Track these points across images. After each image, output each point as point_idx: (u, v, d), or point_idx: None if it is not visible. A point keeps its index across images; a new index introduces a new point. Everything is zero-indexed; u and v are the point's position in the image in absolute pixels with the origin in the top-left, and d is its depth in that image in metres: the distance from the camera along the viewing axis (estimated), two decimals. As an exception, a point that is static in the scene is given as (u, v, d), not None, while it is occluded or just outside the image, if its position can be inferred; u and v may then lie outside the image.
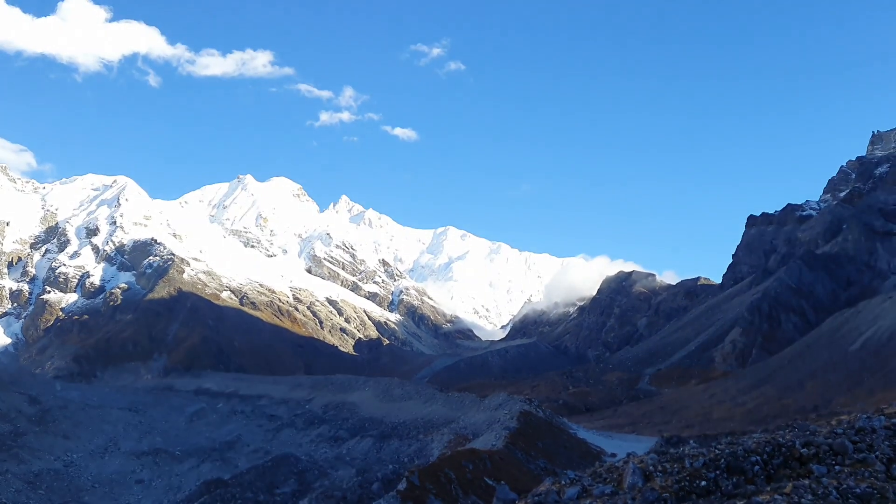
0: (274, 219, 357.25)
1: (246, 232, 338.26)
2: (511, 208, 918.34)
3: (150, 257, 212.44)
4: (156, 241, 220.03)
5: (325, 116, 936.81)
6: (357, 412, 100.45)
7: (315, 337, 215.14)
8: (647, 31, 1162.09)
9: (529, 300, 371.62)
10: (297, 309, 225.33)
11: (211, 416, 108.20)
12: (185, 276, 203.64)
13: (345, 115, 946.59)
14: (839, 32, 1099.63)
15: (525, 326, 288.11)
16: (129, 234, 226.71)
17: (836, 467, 13.85)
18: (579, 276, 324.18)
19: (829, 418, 20.20)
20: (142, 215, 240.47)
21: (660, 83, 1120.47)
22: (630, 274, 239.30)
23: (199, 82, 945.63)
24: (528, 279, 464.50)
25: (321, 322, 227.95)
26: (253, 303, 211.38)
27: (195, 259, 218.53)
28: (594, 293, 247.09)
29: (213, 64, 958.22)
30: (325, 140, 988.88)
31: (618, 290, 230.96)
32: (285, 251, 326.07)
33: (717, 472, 14.45)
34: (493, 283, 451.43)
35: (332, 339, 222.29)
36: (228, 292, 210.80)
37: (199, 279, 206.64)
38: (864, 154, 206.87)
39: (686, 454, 16.40)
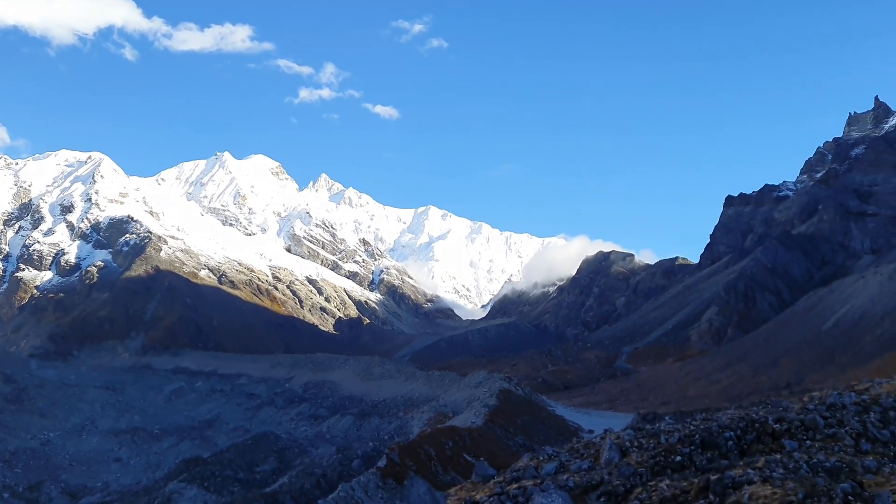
0: (252, 197, 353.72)
1: (224, 210, 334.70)
2: (492, 188, 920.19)
3: (127, 235, 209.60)
4: (132, 218, 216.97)
5: (304, 93, 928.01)
6: (337, 391, 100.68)
7: (295, 316, 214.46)
8: (629, 14, 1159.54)
9: (510, 280, 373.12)
10: (276, 288, 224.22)
11: (190, 394, 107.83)
12: (162, 254, 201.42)
13: (325, 92, 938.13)
14: (816, 16, 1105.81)
15: (505, 306, 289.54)
16: (105, 212, 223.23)
17: (808, 442, 14.13)
18: (559, 256, 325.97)
19: (802, 395, 20.59)
20: (117, 192, 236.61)
21: (641, 66, 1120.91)
22: (609, 254, 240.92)
23: (177, 57, 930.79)
24: (508, 259, 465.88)
25: (301, 301, 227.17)
26: (231, 281, 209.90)
27: (172, 237, 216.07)
28: (574, 273, 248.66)
29: (191, 38, 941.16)
30: (304, 117, 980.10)
31: (597, 269, 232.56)
32: (264, 230, 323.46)
33: (692, 447, 14.69)
34: (474, 263, 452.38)
35: (312, 319, 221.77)
36: (206, 271, 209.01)
37: (176, 257, 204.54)
38: (840, 135, 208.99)
39: (662, 430, 16.65)
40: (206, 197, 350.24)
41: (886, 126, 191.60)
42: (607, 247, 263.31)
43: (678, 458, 14.36)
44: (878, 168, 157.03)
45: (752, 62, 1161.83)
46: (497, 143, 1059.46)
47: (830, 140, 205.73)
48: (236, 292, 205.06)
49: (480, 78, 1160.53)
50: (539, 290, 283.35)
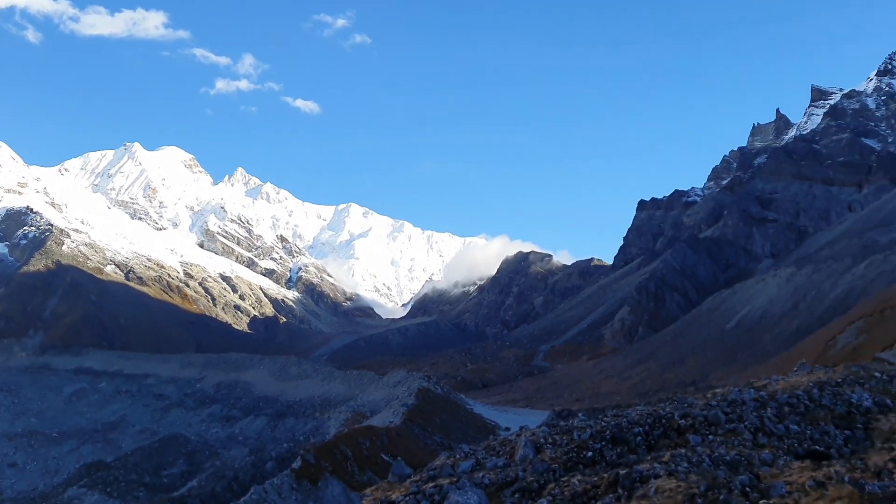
0: (164, 190, 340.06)
1: (133, 203, 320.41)
2: (414, 186, 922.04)
3: (25, 227, 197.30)
4: (31, 209, 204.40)
5: (221, 84, 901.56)
6: (251, 391, 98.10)
7: (207, 314, 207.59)
8: (549, 9, 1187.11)
9: (431, 279, 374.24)
10: (187, 285, 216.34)
11: (92, 395, 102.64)
12: (64, 248, 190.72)
13: (243, 84, 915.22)
14: (726, 33, 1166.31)
15: (426, 305, 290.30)
16: (2, 202, 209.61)
17: (710, 437, 14.72)
18: (480, 256, 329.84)
19: (706, 392, 21.49)
20: (16, 182, 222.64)
21: (562, 70, 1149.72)
22: (528, 255, 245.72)
23: (84, 42, 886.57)
24: (430, 258, 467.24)
25: (214, 299, 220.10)
26: (140, 278, 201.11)
27: (76, 230, 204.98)
28: (494, 273, 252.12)
29: (100, 23, 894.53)
30: (220, 109, 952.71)
31: (516, 269, 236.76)
32: (176, 224, 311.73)
33: (603, 443, 15.05)
34: (395, 262, 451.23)
35: (226, 317, 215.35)
36: (113, 266, 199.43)
37: (80, 252, 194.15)
38: (745, 145, 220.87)
39: (574, 427, 16.98)
40: (113, 189, 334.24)
41: (786, 137, 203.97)
42: (527, 247, 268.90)
43: (590, 453, 14.68)
44: (779, 177, 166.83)
45: (666, 73, 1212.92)
46: (419, 141, 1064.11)
47: (736, 149, 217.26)
48: (145, 289, 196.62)
49: (403, 75, 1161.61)
50: (460, 289, 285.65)
